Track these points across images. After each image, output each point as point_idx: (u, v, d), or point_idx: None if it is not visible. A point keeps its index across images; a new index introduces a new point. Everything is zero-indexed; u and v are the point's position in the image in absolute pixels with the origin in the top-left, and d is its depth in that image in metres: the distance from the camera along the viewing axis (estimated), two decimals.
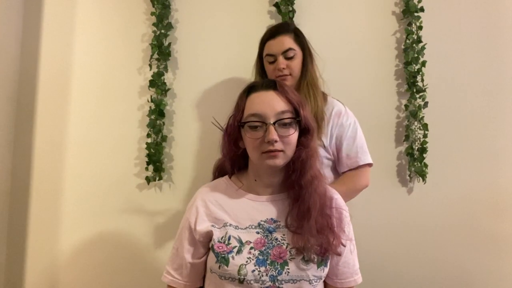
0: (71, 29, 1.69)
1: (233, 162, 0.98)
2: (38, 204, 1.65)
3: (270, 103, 0.89)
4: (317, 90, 1.33)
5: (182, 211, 0.99)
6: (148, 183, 1.63)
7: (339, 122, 1.32)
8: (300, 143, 0.91)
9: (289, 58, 1.31)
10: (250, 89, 0.94)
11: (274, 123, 0.86)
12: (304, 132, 0.92)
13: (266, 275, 0.84)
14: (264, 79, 0.97)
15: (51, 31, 1.70)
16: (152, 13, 1.65)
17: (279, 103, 0.89)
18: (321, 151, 1.28)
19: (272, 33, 1.35)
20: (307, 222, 0.86)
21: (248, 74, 1.46)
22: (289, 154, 0.89)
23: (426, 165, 1.60)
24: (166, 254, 0.98)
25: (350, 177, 1.33)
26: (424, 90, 1.61)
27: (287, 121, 0.88)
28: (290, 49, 1.31)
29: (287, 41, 1.32)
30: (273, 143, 0.85)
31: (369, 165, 1.35)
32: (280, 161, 0.87)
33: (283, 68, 1.30)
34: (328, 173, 1.32)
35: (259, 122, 0.87)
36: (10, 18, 1.64)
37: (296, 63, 1.32)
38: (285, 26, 1.37)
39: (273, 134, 0.85)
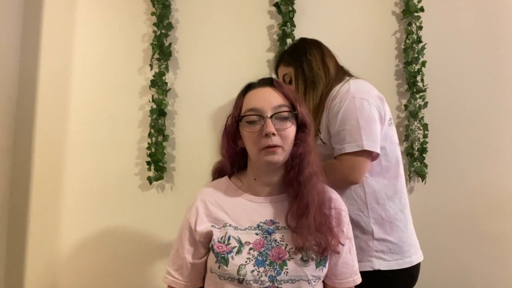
0: (71, 29, 1.69)
1: (232, 162, 0.98)
2: (38, 204, 1.65)
3: (267, 98, 0.90)
4: (309, 94, 1.22)
5: (183, 212, 0.99)
6: (151, 183, 1.63)
7: (330, 106, 1.14)
8: (297, 138, 0.91)
9: (289, 83, 1.34)
10: (247, 88, 0.95)
11: (271, 117, 0.87)
12: (302, 127, 0.93)
13: (265, 275, 0.84)
14: (261, 78, 0.98)
15: (51, 31, 1.69)
16: (153, 13, 1.65)
17: (276, 98, 0.90)
18: (322, 149, 1.18)
19: (276, 66, 1.44)
20: (305, 219, 0.87)
21: (249, 73, 1.45)
22: (287, 149, 0.89)
23: (426, 165, 1.60)
24: (167, 255, 0.98)
25: (329, 165, 1.10)
26: (424, 90, 1.61)
27: (284, 114, 0.89)
28: (284, 76, 1.36)
29: (281, 71, 1.39)
30: (270, 136, 0.86)
31: (352, 153, 1.07)
32: (279, 157, 0.88)
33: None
34: None
35: (257, 116, 0.88)
36: (10, 18, 1.64)
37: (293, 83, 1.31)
38: (278, 59, 1.42)
39: (270, 126, 0.86)
